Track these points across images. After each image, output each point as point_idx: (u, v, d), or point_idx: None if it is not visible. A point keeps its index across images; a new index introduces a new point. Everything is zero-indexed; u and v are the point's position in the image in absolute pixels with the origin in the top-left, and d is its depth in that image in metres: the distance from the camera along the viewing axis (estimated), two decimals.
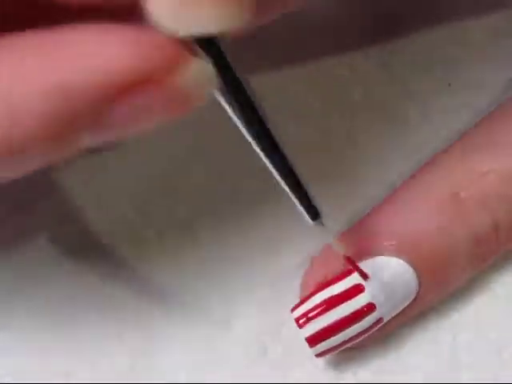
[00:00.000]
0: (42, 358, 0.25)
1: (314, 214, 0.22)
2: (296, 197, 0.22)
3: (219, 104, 0.19)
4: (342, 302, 0.23)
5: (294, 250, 0.26)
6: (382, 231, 0.24)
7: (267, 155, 0.20)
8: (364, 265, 0.24)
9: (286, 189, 0.21)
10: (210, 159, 0.27)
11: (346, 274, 0.24)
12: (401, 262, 0.24)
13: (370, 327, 0.24)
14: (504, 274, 0.25)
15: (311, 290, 0.24)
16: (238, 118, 0.19)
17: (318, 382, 0.24)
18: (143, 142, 0.27)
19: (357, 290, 0.23)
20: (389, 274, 0.24)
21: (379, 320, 0.24)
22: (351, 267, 0.23)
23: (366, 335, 0.24)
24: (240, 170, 0.27)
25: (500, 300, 0.25)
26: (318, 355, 0.24)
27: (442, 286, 0.25)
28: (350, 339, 0.24)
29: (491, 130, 0.25)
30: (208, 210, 0.27)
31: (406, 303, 0.24)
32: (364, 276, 0.23)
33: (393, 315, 0.24)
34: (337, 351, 0.24)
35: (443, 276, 0.24)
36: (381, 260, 0.24)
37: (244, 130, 0.19)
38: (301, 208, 0.22)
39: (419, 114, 0.28)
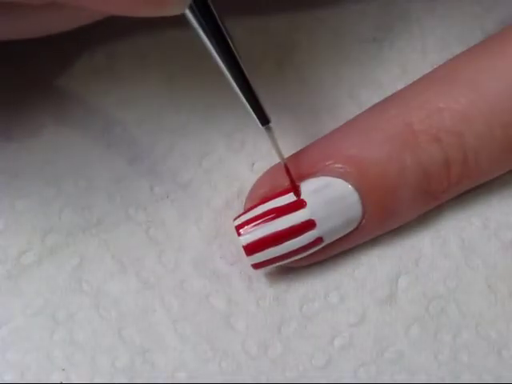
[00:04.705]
0: (41, 356, 0.25)
1: (264, 119, 0.23)
2: (247, 101, 0.23)
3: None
4: (282, 215, 0.24)
5: None
6: (333, 153, 0.25)
7: (224, 61, 0.22)
8: (309, 182, 0.24)
9: (239, 92, 0.23)
10: None
11: (289, 189, 0.24)
12: (346, 184, 0.24)
13: (309, 245, 0.24)
14: (502, 272, 0.26)
15: (255, 202, 0.25)
16: (201, 26, 0.21)
17: (318, 381, 0.24)
18: None
19: (298, 205, 0.24)
20: (333, 195, 0.24)
21: (318, 239, 0.24)
22: (296, 184, 0.24)
23: (305, 254, 0.24)
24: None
25: (500, 300, 0.25)
26: (255, 266, 0.24)
27: (387, 217, 0.25)
28: (288, 254, 0.24)
29: (455, 69, 0.25)
30: None
31: (350, 228, 0.24)
32: (296, 191, 0.24)
33: (334, 239, 0.24)
34: (274, 265, 0.24)
35: (389, 206, 0.25)
36: (327, 180, 0.24)
37: (203, 37, 0.22)
38: (252, 113, 0.23)
39: None
